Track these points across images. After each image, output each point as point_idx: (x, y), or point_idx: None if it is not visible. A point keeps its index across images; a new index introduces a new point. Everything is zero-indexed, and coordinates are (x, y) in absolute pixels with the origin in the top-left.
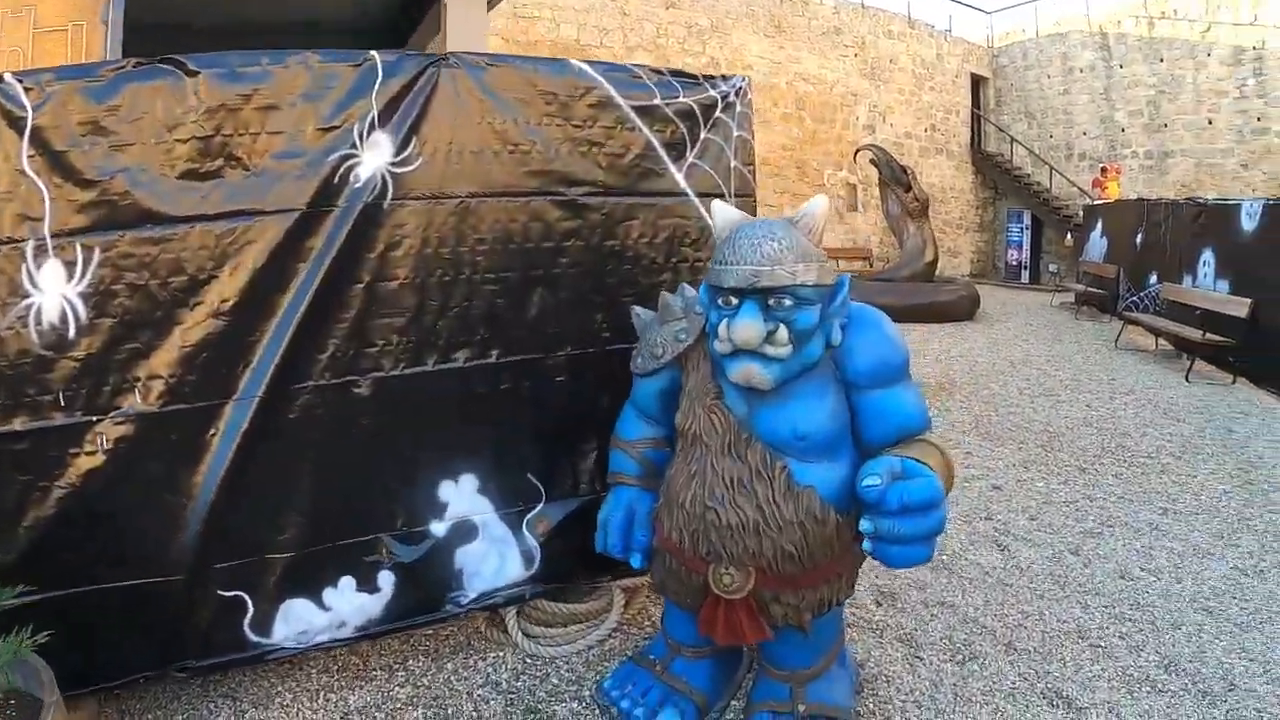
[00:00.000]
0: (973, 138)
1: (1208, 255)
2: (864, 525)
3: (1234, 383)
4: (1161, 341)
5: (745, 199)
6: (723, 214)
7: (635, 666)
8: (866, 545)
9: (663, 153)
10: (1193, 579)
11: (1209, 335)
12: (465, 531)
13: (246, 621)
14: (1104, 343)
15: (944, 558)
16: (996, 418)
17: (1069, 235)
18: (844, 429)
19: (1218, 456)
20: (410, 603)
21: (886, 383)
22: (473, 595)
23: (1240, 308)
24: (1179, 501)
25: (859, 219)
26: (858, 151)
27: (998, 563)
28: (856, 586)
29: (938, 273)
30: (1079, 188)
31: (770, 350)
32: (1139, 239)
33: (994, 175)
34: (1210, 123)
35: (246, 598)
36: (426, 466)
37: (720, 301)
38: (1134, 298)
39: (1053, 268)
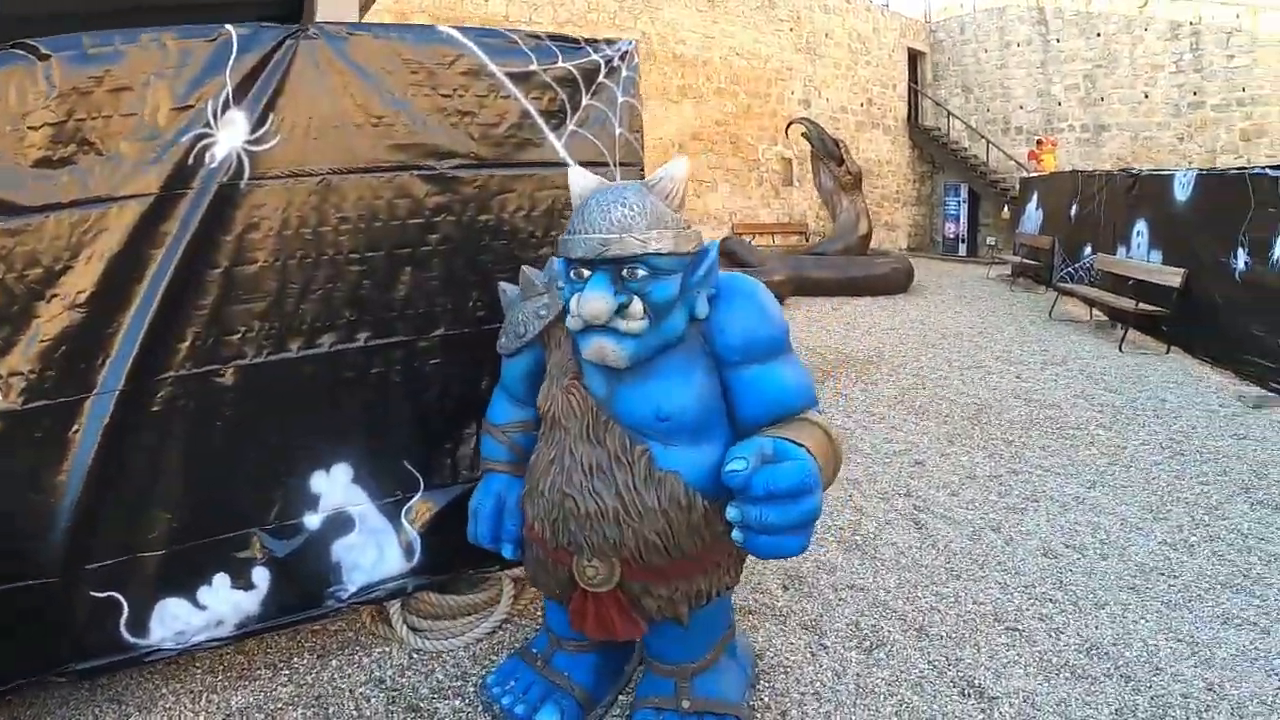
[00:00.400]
0: (910, 112)
1: (1141, 226)
2: (730, 513)
3: (1168, 352)
4: (1096, 312)
5: (631, 168)
6: (578, 181)
7: (519, 661)
8: (735, 534)
9: (541, 121)
10: (1119, 556)
11: (1142, 305)
12: (341, 524)
13: (123, 622)
14: (1038, 314)
15: (858, 538)
16: (924, 391)
17: (1005, 208)
18: (713, 409)
19: (1149, 427)
20: (288, 599)
21: (760, 358)
22: (353, 589)
23: (1173, 277)
24: (1108, 474)
25: (795, 194)
26: (790, 125)
27: (914, 542)
28: (763, 570)
29: (872, 246)
30: (1016, 161)
31: (623, 325)
32: (1074, 210)
33: (931, 149)
34: (1146, 96)
35: (120, 598)
36: (296, 457)
37: (572, 274)
38: (1069, 269)
39: (990, 240)
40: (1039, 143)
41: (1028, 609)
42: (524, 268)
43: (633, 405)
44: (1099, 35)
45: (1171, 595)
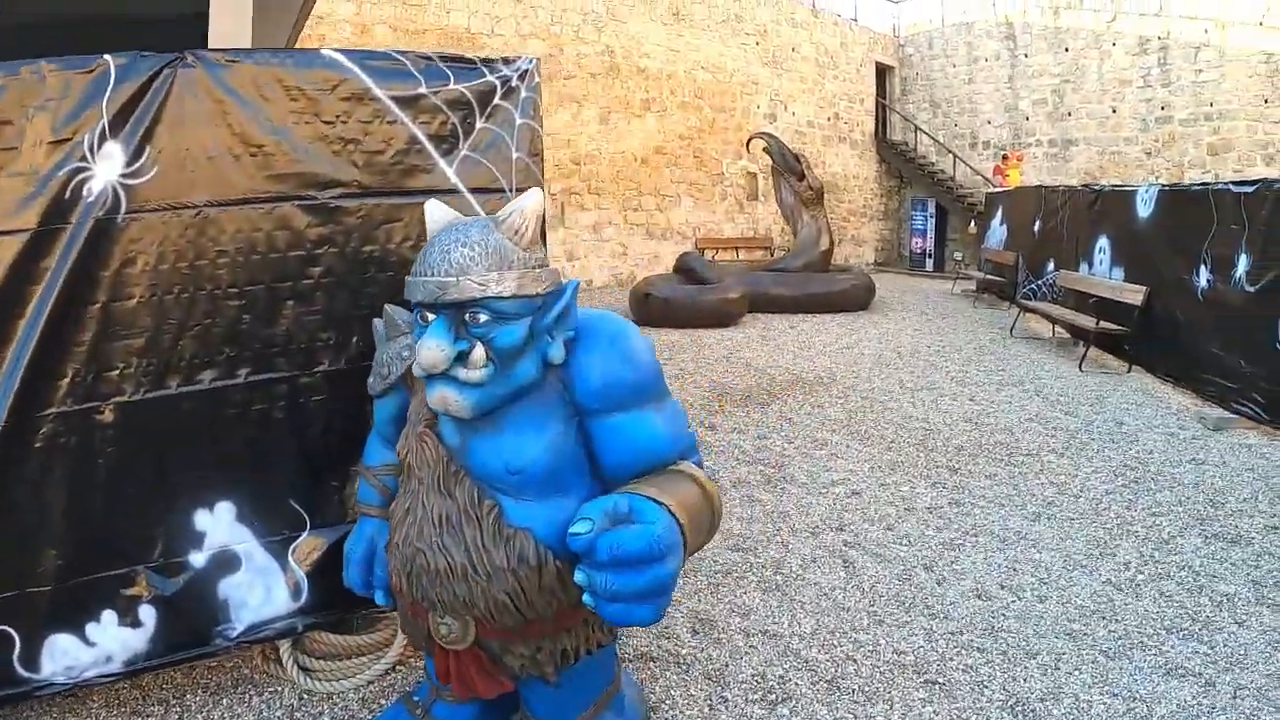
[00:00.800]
0: (878, 127)
1: (1104, 242)
2: (577, 576)
3: (1129, 371)
4: (1058, 330)
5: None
6: (431, 216)
7: (401, 708)
8: (587, 599)
9: (430, 147)
10: (1058, 598)
11: (1103, 323)
12: (226, 562)
13: (15, 656)
14: (1000, 331)
15: (779, 577)
16: (871, 415)
17: (972, 223)
18: (570, 462)
19: (1104, 452)
20: (176, 637)
21: (624, 405)
22: (241, 628)
23: (1135, 295)
24: (1055, 505)
25: (759, 208)
26: (750, 140)
27: (839, 582)
28: (671, 612)
29: (837, 261)
30: (983, 176)
31: (464, 374)
32: (1037, 226)
33: (899, 164)
34: (1114, 111)
35: (13, 632)
36: (179, 495)
37: (419, 318)
38: (1032, 285)
39: (957, 255)
40: (1004, 158)
41: (952, 659)
42: (387, 305)
43: (484, 457)
44: (1067, 50)
45: (1111, 643)
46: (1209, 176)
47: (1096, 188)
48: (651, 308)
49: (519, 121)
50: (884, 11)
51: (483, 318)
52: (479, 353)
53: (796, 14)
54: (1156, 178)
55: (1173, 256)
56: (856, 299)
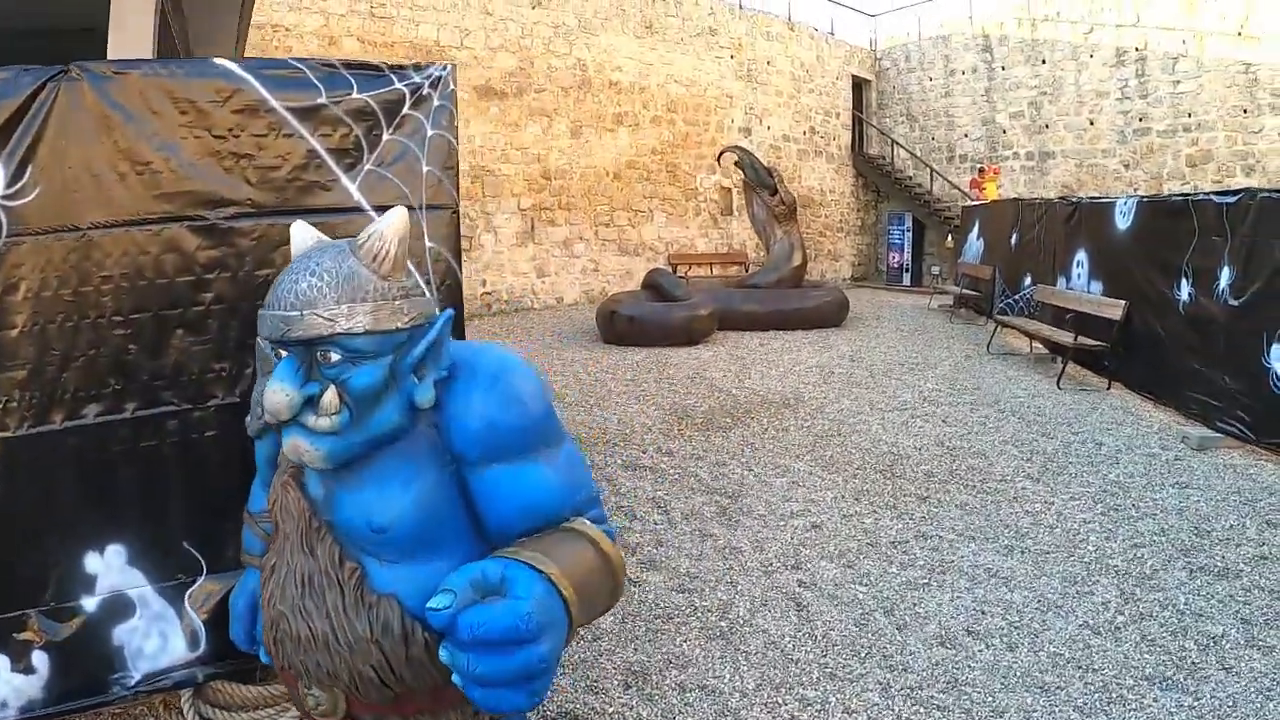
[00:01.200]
0: (854, 140)
1: (1081, 255)
2: (442, 655)
3: (1108, 388)
4: (1036, 345)
5: (442, 210)
6: (297, 238)
7: None
8: (456, 679)
9: (330, 161)
10: (1030, 645)
11: (1082, 339)
12: (120, 607)
13: None
14: (976, 347)
15: (725, 623)
16: (838, 439)
17: (949, 237)
18: (444, 520)
19: (1082, 477)
20: (71, 684)
21: (507, 454)
22: (138, 676)
23: (1114, 309)
24: (1030, 537)
25: (734, 223)
26: (721, 154)
27: (789, 629)
28: (604, 664)
29: (814, 277)
30: (959, 189)
31: (313, 421)
32: (1014, 240)
33: (875, 178)
34: (1092, 123)
35: None
36: (68, 536)
37: (275, 355)
38: (1009, 300)
39: (935, 269)
40: (980, 171)
41: (909, 718)
42: (259, 339)
43: (348, 512)
44: (1044, 62)
45: (1087, 696)
46: (1188, 188)
47: (1074, 200)
48: (618, 326)
49: (430, 132)
50: (861, 25)
51: (334, 356)
52: (330, 397)
53: (772, 27)
54: (1135, 190)
55: (1153, 270)
56: (829, 315)
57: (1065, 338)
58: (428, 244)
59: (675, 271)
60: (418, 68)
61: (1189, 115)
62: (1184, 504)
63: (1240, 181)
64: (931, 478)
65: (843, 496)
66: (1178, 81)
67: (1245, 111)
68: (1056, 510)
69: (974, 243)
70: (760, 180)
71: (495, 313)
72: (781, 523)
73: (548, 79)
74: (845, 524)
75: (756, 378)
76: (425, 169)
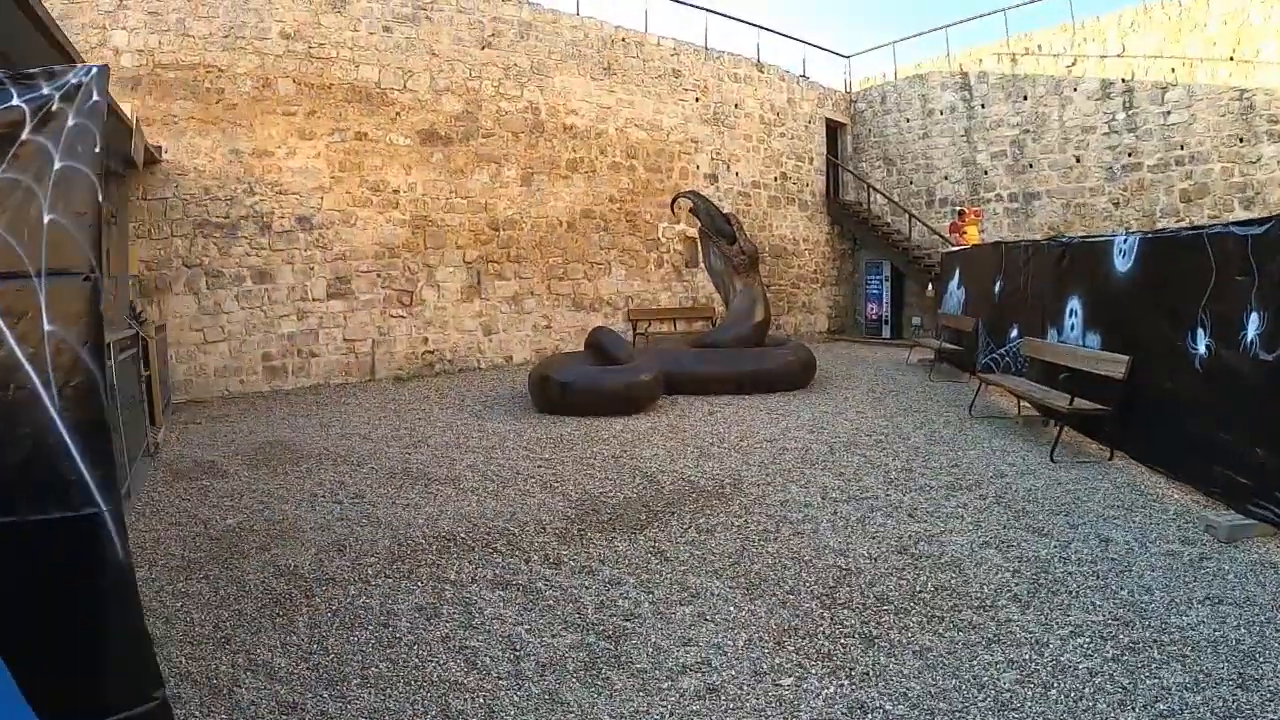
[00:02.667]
0: (829, 186)
1: (1075, 303)
2: None
3: (1111, 459)
4: (1026, 404)
5: (69, 278)
6: None
7: None
8: None
9: None
10: None
11: (1079, 402)
12: None
13: None
14: (957, 410)
15: None
16: (773, 545)
17: (929, 286)
18: None
19: (1085, 597)
20: None
21: None
22: None
23: (1115, 366)
24: (1015, 706)
25: (699, 276)
26: (675, 200)
27: None
28: None
29: (787, 331)
30: (940, 235)
31: None
32: (998, 287)
33: (852, 225)
34: (1078, 160)
35: None
36: None
37: None
38: (995, 354)
39: (915, 321)
40: (960, 214)
41: None
42: None
43: None
44: (1025, 99)
45: None
46: (1183, 224)
47: (1064, 240)
48: (549, 393)
49: (59, 165)
50: (834, 67)
51: None
52: None
53: (740, 69)
54: (1127, 229)
55: (1160, 318)
56: (794, 376)
57: (1060, 400)
58: (46, 328)
59: (636, 328)
60: (50, 75)
61: (1181, 147)
62: (1220, 631)
63: (1239, 215)
64: (885, 604)
65: (761, 636)
66: (1168, 112)
67: (1241, 140)
68: (1053, 655)
69: (955, 292)
70: (717, 228)
71: (438, 373)
72: (666, 683)
73: (497, 123)
74: (754, 687)
75: (693, 456)
76: (47, 218)
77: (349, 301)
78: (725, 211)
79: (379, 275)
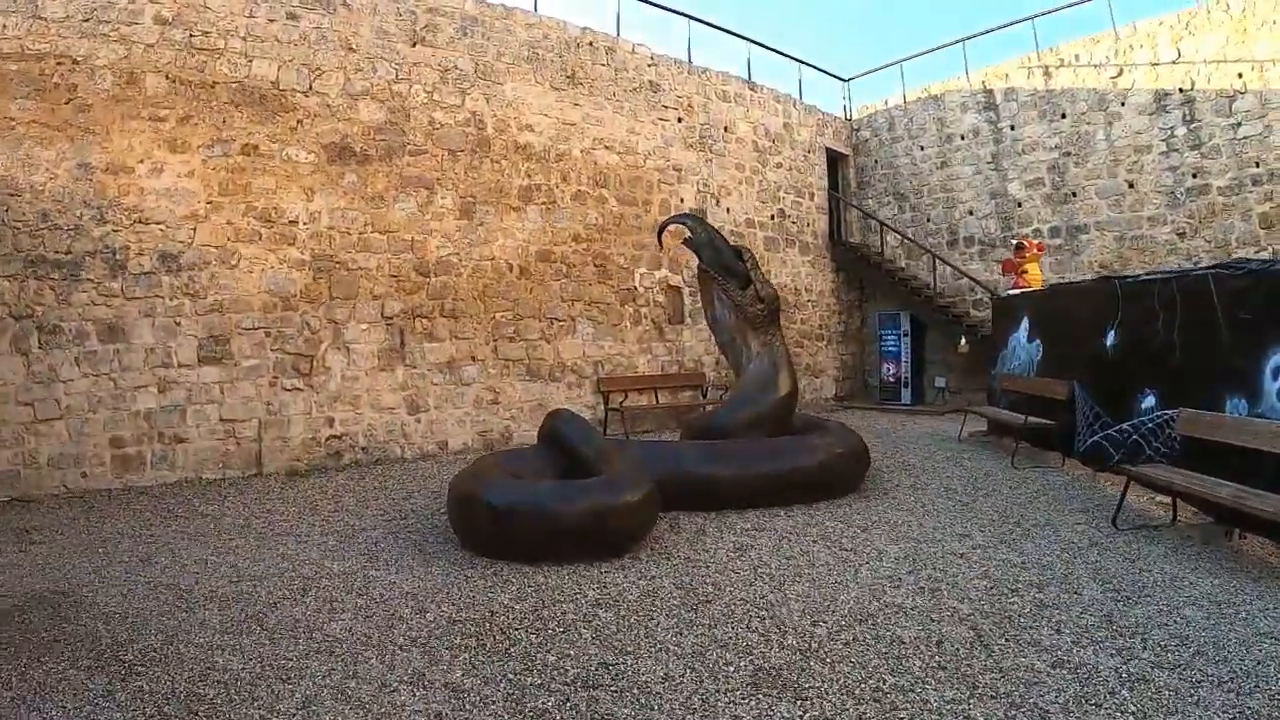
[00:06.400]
0: (832, 227)
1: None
2: None
3: None
4: (1188, 508)
5: None
6: None
7: None
8: None
9: None
10: None
11: None
12: None
13: None
14: (1090, 517)
15: None
16: None
17: (962, 339)
18: None
19: None
20: None
21: None
22: None
23: None
24: None
25: (685, 334)
26: (664, 227)
27: None
28: None
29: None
30: (970, 278)
31: None
32: (1112, 338)
33: (860, 271)
34: (1132, 186)
35: None
36: None
37: None
38: (1109, 431)
39: (940, 382)
40: (1019, 247)
41: None
42: None
43: None
44: (1064, 117)
45: None
46: (1265, 254)
47: (1250, 265)
48: (478, 523)
49: None
50: (832, 91)
51: None
52: None
53: (729, 86)
54: (1196, 264)
55: None
56: (842, 476)
57: (1268, 506)
58: None
59: (608, 402)
60: None
61: (1257, 165)
62: None
63: None
64: None
65: None
66: (1238, 124)
67: None
68: None
69: (1024, 346)
70: (724, 265)
71: (346, 465)
72: None
73: (429, 138)
74: None
75: (742, 681)
76: None
77: (227, 369)
78: (735, 245)
79: (269, 334)
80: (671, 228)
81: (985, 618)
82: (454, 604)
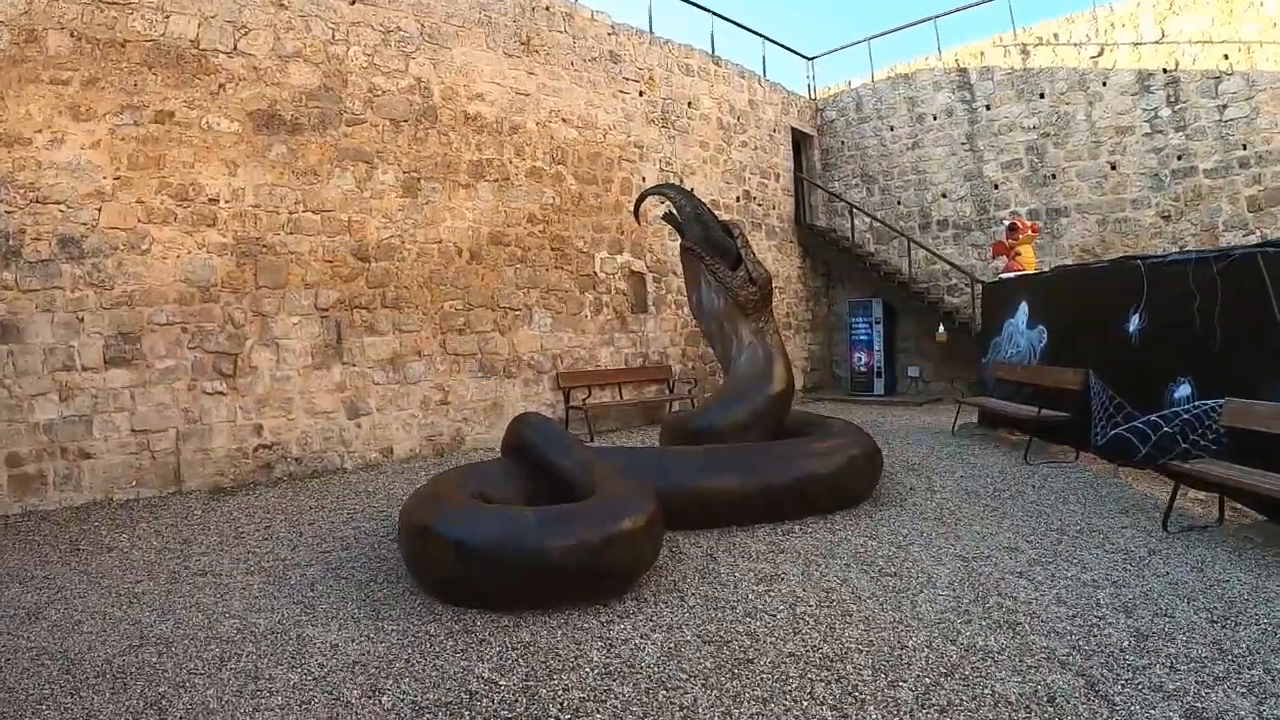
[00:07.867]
0: (797, 210)
1: None
2: None
3: None
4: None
5: None
6: None
7: None
8: None
9: None
10: None
11: None
12: None
13: None
14: (1135, 519)
15: None
16: None
17: (941, 327)
18: None
19: None
20: None
21: None
22: None
23: None
24: None
25: (650, 324)
26: (642, 199)
27: None
28: None
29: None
30: (947, 262)
31: None
32: (1136, 322)
33: (828, 256)
34: (1114, 168)
35: None
36: None
37: None
38: (1132, 423)
39: (912, 372)
40: (1011, 228)
41: None
42: None
43: None
44: (1042, 96)
45: None
46: (1254, 238)
47: None
48: (436, 563)
49: None
50: (795, 70)
51: None
52: None
53: (692, 60)
54: (1181, 248)
55: None
56: (856, 482)
57: None
58: None
59: (569, 399)
60: None
61: (1244, 147)
62: None
63: None
64: None
65: None
66: (1224, 106)
67: None
68: None
69: (1023, 333)
70: (711, 241)
71: (278, 479)
72: None
73: (369, 106)
74: None
75: None
76: None
77: (139, 371)
78: (724, 220)
79: (186, 330)
80: (651, 200)
81: (1087, 658)
82: (417, 679)
